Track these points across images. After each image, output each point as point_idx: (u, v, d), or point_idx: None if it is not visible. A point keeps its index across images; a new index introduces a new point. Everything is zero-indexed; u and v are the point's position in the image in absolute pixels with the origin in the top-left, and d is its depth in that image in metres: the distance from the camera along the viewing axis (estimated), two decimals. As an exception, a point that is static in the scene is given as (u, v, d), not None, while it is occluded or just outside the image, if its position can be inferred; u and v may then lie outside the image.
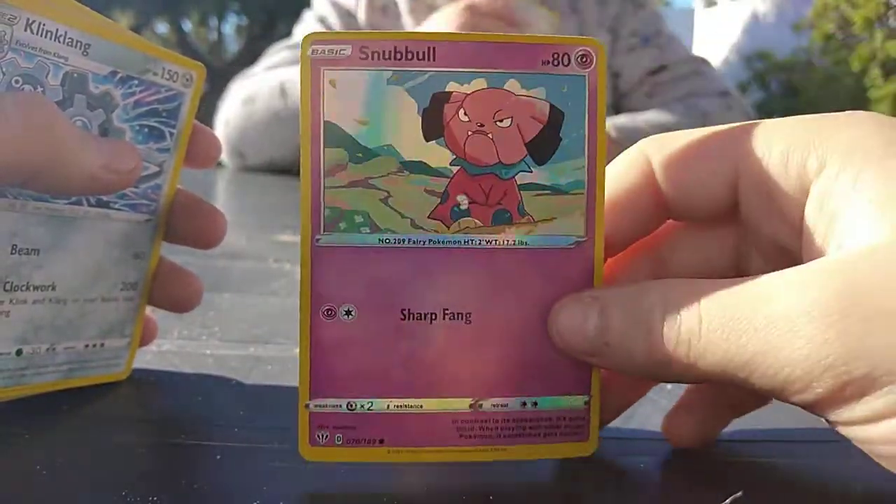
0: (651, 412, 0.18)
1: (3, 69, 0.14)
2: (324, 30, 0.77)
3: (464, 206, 0.13)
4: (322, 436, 0.13)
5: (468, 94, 0.13)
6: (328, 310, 0.13)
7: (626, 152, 0.15)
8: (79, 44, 0.15)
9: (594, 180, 0.14)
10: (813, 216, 0.12)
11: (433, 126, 0.13)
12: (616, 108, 0.76)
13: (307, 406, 0.13)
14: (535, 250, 0.14)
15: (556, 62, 0.13)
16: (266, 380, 0.19)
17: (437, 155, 0.13)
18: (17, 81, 0.14)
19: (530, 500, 0.14)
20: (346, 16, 0.77)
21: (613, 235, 0.14)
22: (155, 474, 0.14)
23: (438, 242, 0.13)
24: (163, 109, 0.17)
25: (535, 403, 0.14)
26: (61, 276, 0.16)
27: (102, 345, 0.18)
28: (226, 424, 0.16)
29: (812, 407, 0.11)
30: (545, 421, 0.14)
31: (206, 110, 0.19)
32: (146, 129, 0.17)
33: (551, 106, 0.13)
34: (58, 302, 0.16)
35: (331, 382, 0.13)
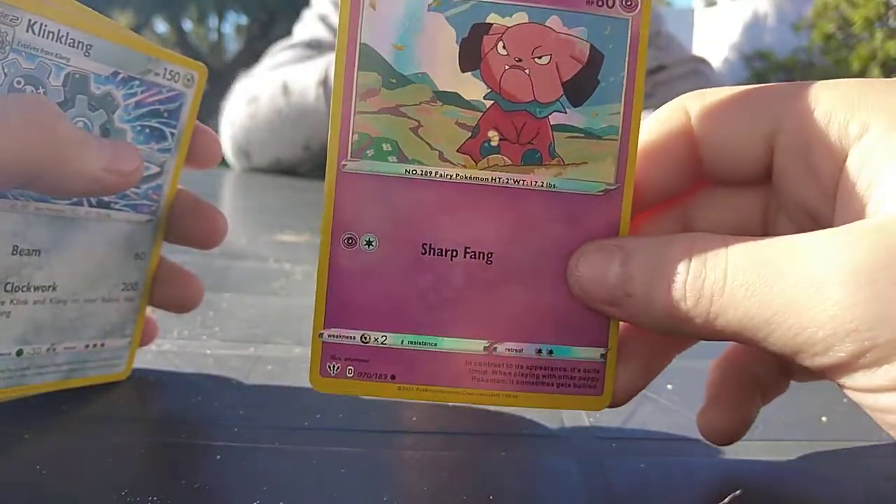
0: (651, 412, 0.18)
1: (5, 70, 0.14)
2: (325, 28, 0.77)
3: (494, 143, 0.13)
4: (333, 367, 0.13)
5: (508, 28, 0.13)
6: (349, 238, 0.13)
7: (665, 105, 0.14)
8: (80, 44, 0.15)
9: (629, 128, 0.13)
10: (850, 179, 0.12)
11: (470, 57, 0.13)
12: None
13: (320, 335, 0.13)
14: (563, 194, 0.13)
15: (600, 3, 0.13)
16: (266, 380, 0.19)
17: (472, 87, 0.13)
18: (18, 82, 0.14)
19: (530, 500, 0.14)
20: None
21: (644, 187, 0.14)
22: (155, 474, 0.14)
23: (465, 178, 0.13)
24: (164, 110, 0.17)
25: (551, 352, 0.13)
26: (62, 276, 0.16)
27: (103, 345, 0.18)
28: (226, 424, 0.16)
29: (828, 371, 0.11)
30: (559, 371, 0.14)
31: (206, 110, 0.19)
32: (147, 130, 0.17)
33: (592, 47, 0.13)
34: (59, 302, 0.16)
35: (346, 313, 0.13)
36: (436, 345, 0.13)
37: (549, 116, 0.13)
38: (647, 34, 0.13)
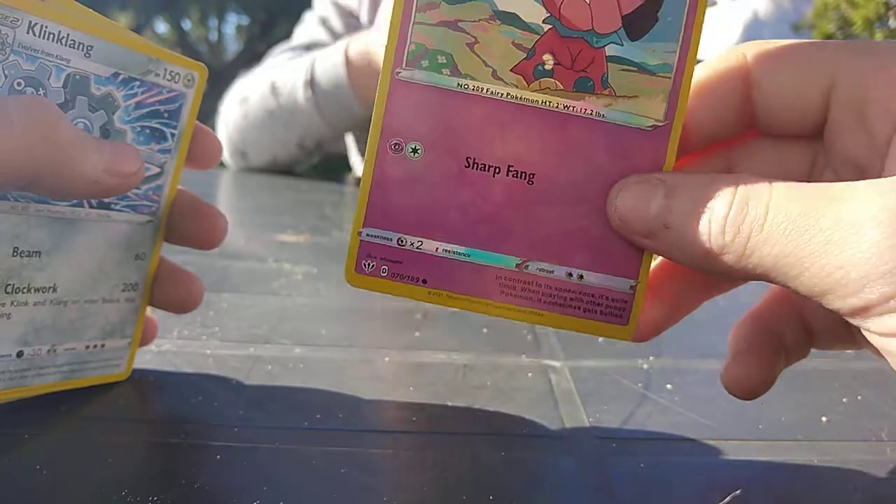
0: (651, 412, 0.18)
1: (6, 71, 0.14)
2: (326, 32, 0.77)
3: (548, 66, 0.13)
4: (368, 265, 0.14)
5: None
6: (396, 144, 0.13)
7: (725, 50, 0.14)
8: (81, 45, 0.15)
9: (683, 68, 0.13)
10: None
11: None
12: None
13: (359, 233, 0.14)
14: (611, 125, 0.13)
15: None
16: (266, 380, 0.19)
17: (532, 9, 0.13)
18: (19, 84, 0.14)
19: (530, 500, 0.14)
20: (349, 16, 0.77)
21: (693, 126, 0.14)
22: (155, 474, 0.14)
23: (516, 98, 0.13)
24: (164, 110, 0.17)
25: (581, 276, 0.14)
26: (63, 277, 0.16)
27: (103, 345, 0.18)
28: (226, 424, 0.16)
29: (856, 313, 0.11)
30: (587, 296, 0.14)
31: (206, 111, 0.19)
32: (147, 131, 0.17)
33: None
34: (59, 303, 0.16)
35: (386, 215, 0.14)
36: (469, 256, 0.14)
37: (606, 47, 0.13)
38: None
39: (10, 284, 0.15)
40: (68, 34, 0.14)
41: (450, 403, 0.18)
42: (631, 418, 0.17)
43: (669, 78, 0.13)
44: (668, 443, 0.16)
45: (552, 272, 0.14)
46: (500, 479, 0.14)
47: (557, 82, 0.13)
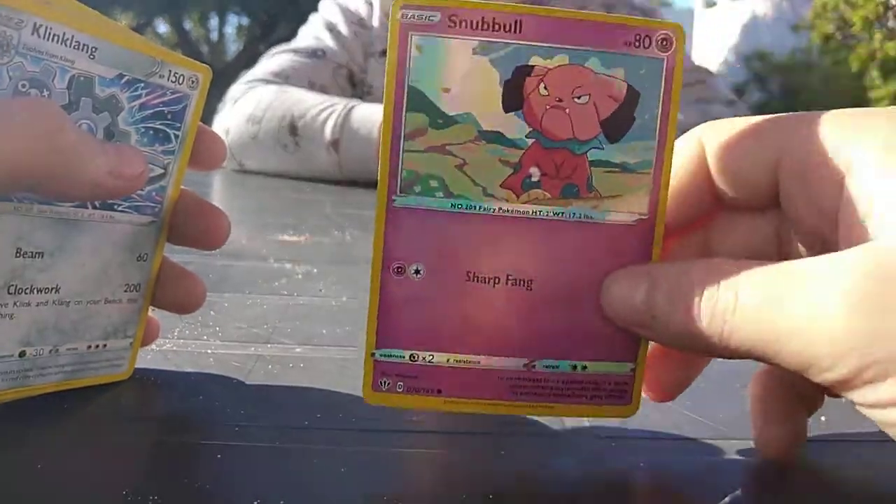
0: (651, 412, 0.18)
1: (10, 73, 0.14)
2: (332, 38, 0.76)
3: (535, 178, 0.14)
4: (384, 382, 0.14)
5: (550, 69, 0.14)
6: (398, 267, 0.14)
7: (683, 137, 0.15)
8: (85, 47, 0.15)
9: (662, 161, 0.14)
10: (848, 205, 0.13)
11: (513, 98, 0.14)
12: None
13: (373, 355, 0.14)
14: (599, 225, 0.14)
15: (637, 44, 0.14)
16: (267, 379, 0.19)
17: (515, 126, 0.14)
18: (23, 86, 0.14)
19: (530, 501, 0.14)
20: (358, 24, 0.75)
21: (668, 219, 0.15)
22: (156, 473, 0.14)
23: (507, 211, 0.14)
24: (168, 112, 0.17)
25: (585, 367, 0.15)
26: (65, 278, 0.16)
27: (105, 346, 0.18)
28: (226, 423, 0.16)
29: (836, 387, 0.12)
30: (592, 384, 0.15)
31: (207, 111, 0.19)
32: (151, 132, 0.17)
33: (629, 86, 0.14)
34: (62, 304, 0.16)
35: (396, 335, 0.14)
36: (479, 363, 0.14)
37: (588, 153, 0.14)
38: (682, 71, 0.14)
39: (13, 285, 0.15)
40: (73, 36, 0.14)
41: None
42: (630, 418, 0.18)
43: (650, 174, 0.14)
44: (668, 442, 0.16)
45: (558, 367, 0.15)
46: (499, 478, 0.14)
47: (545, 192, 0.14)
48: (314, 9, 0.80)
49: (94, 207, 0.16)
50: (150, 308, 0.19)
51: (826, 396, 0.16)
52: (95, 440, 0.15)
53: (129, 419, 0.17)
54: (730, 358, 0.13)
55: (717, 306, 0.12)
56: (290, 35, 0.82)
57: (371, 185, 0.68)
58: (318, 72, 0.72)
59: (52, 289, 0.16)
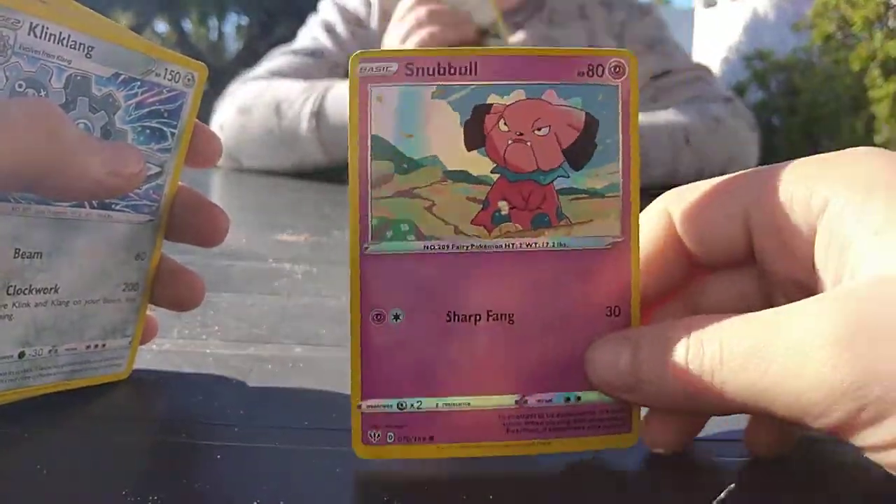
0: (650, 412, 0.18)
1: (7, 73, 0.14)
2: (329, 38, 0.77)
3: (504, 212, 0.14)
4: (374, 435, 0.14)
5: (508, 105, 0.14)
6: (377, 315, 0.14)
7: (649, 208, 0.16)
8: (82, 46, 0.15)
9: (628, 183, 0.14)
10: (822, 251, 0.13)
11: (475, 136, 0.14)
12: None
13: (359, 407, 0.14)
14: (573, 252, 0.14)
15: (591, 73, 0.14)
16: (266, 379, 0.19)
17: (479, 164, 0.14)
18: (20, 85, 0.14)
19: (529, 501, 0.14)
20: (356, 24, 0.76)
21: (647, 290, 0.15)
22: (155, 474, 0.14)
23: (481, 247, 0.14)
24: (164, 110, 0.17)
25: (579, 398, 0.14)
26: (64, 278, 0.16)
27: (104, 345, 0.18)
28: (226, 424, 0.16)
29: (835, 432, 0.12)
30: (588, 415, 0.14)
31: (205, 110, 0.19)
32: (148, 130, 0.17)
33: (587, 114, 0.14)
34: (60, 304, 0.16)
35: (381, 384, 0.14)
36: (469, 404, 0.14)
37: (554, 182, 0.14)
38: (637, 95, 0.14)
39: (11, 286, 0.15)
40: (69, 35, 0.14)
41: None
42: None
43: (618, 195, 0.14)
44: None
45: (550, 400, 0.14)
46: (499, 478, 0.14)
47: (516, 225, 0.14)
48: (313, 7, 0.81)
49: (92, 207, 0.16)
50: (149, 306, 0.19)
51: None
52: (95, 440, 0.15)
53: (128, 419, 0.17)
54: (727, 414, 0.13)
55: (703, 360, 0.12)
56: (290, 34, 0.83)
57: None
58: (315, 72, 0.73)
59: (50, 289, 0.16)
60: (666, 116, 0.67)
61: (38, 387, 0.16)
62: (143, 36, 0.16)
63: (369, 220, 0.14)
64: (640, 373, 0.13)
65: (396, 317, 0.14)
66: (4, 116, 0.13)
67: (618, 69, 0.14)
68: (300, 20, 0.83)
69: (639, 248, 0.14)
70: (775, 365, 0.11)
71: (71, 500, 0.13)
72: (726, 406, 0.12)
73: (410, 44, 0.55)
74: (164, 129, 0.17)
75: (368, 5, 0.77)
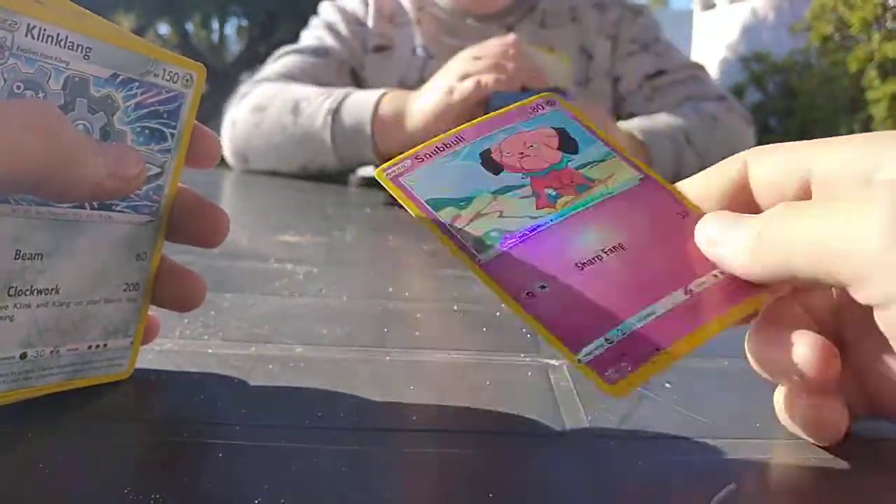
0: (649, 411, 0.18)
1: (5, 75, 0.14)
2: (332, 37, 0.78)
3: (553, 192, 0.18)
4: (612, 372, 0.15)
5: (500, 143, 0.19)
6: (528, 293, 0.16)
7: (732, 158, 0.18)
8: (80, 48, 0.15)
9: (615, 148, 0.19)
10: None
11: (493, 168, 0.18)
12: (616, 110, 0.76)
13: (580, 361, 0.15)
14: (620, 194, 0.18)
15: (537, 109, 0.20)
16: (267, 379, 0.19)
17: (510, 178, 0.18)
18: (18, 87, 0.14)
19: (529, 499, 0.14)
20: (355, 23, 0.77)
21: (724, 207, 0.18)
22: (157, 473, 0.14)
23: (559, 217, 0.17)
24: (164, 111, 0.17)
25: (717, 275, 0.17)
26: (65, 279, 0.16)
27: (105, 345, 0.18)
28: (227, 423, 0.16)
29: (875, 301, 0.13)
30: (730, 285, 0.16)
31: (208, 111, 0.19)
32: (147, 131, 0.17)
33: (553, 128, 0.19)
34: (61, 305, 0.16)
35: (576, 333, 0.15)
36: (655, 312, 0.16)
37: (567, 165, 0.19)
38: (573, 105, 0.20)
39: (12, 287, 0.15)
40: (66, 36, 0.14)
41: (450, 402, 0.18)
42: (629, 417, 0.18)
43: (616, 157, 0.19)
44: (667, 441, 0.16)
45: (702, 282, 0.16)
46: (499, 477, 0.14)
47: (566, 196, 0.18)
48: (313, 10, 0.81)
49: (92, 208, 0.16)
50: (151, 307, 0.19)
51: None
52: (96, 440, 0.15)
53: (130, 419, 0.17)
54: (794, 282, 0.15)
55: (774, 236, 0.14)
56: (290, 36, 0.83)
57: (361, 167, 0.68)
58: (323, 70, 0.73)
59: (51, 290, 0.16)
60: (665, 120, 0.68)
61: (40, 387, 0.16)
62: (145, 38, 0.16)
63: (467, 244, 0.17)
64: (720, 249, 0.16)
65: (542, 286, 0.16)
66: (3, 118, 0.13)
67: (552, 103, 0.20)
68: (300, 22, 0.83)
69: (658, 175, 0.19)
70: (833, 240, 0.13)
71: (73, 500, 0.13)
72: (792, 272, 0.14)
73: (465, 86, 0.55)
74: (164, 129, 0.17)
75: (366, 5, 0.78)
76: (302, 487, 0.14)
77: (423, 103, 0.57)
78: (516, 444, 0.16)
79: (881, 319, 0.13)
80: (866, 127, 2.71)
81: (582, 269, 0.16)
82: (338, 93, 0.64)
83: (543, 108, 0.20)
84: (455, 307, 0.27)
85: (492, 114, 0.19)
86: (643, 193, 0.18)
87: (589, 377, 0.14)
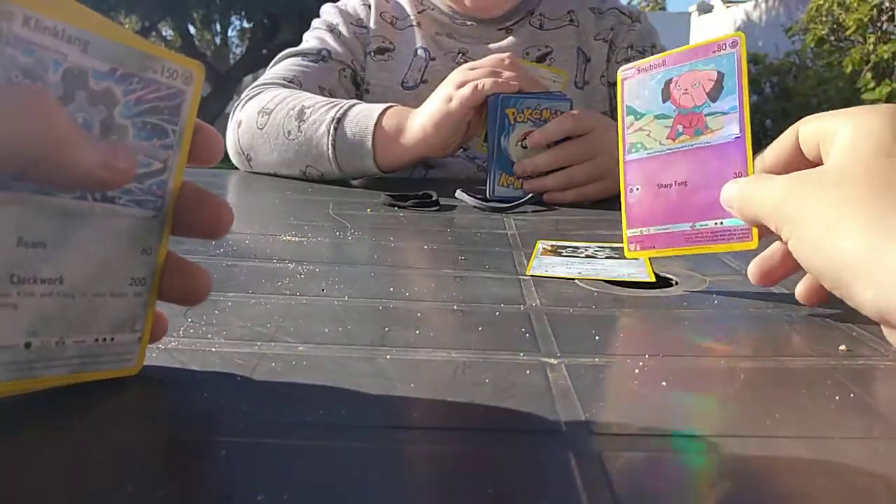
0: (648, 407, 0.18)
1: (2, 63, 0.13)
2: (334, 38, 0.78)
3: (680, 130, 0.29)
4: (634, 246, 0.31)
5: (681, 76, 0.29)
6: (630, 188, 0.31)
7: (792, 127, 0.26)
8: (77, 40, 0.15)
9: (742, 104, 0.27)
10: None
11: (664, 96, 0.30)
12: (613, 113, 0.77)
13: (628, 231, 0.31)
14: (716, 145, 0.28)
15: (718, 49, 0.28)
16: (270, 377, 0.19)
17: (667, 108, 0.29)
18: (16, 76, 0.14)
19: (528, 497, 0.14)
20: (357, 25, 0.77)
21: (777, 166, 0.26)
22: (161, 470, 0.14)
23: (672, 148, 0.29)
24: (164, 107, 0.17)
25: (722, 222, 0.28)
26: (69, 270, 0.16)
27: (113, 339, 0.18)
28: (231, 420, 0.16)
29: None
30: (728, 231, 0.28)
31: (211, 112, 0.19)
32: (149, 126, 0.17)
33: (717, 71, 0.28)
34: (66, 296, 0.16)
35: (636, 220, 0.30)
36: (692, 225, 0.29)
37: (703, 111, 0.28)
38: (745, 56, 0.28)
39: (15, 275, 0.15)
40: (64, 29, 0.14)
41: (449, 400, 0.18)
42: (627, 414, 0.18)
43: (736, 111, 0.28)
44: (664, 438, 0.16)
45: (707, 224, 0.28)
46: (499, 474, 0.15)
47: (686, 135, 0.29)
48: (314, 12, 0.82)
49: (95, 200, 0.16)
50: (159, 304, 0.19)
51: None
52: (101, 437, 0.15)
53: (135, 416, 0.17)
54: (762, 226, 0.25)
55: (769, 193, 0.24)
56: (292, 38, 0.83)
57: (361, 179, 0.68)
58: (325, 75, 0.74)
59: (55, 280, 0.16)
60: None
61: (46, 378, 0.16)
62: (148, 39, 0.16)
63: (625, 143, 0.31)
64: (734, 202, 0.26)
65: (636, 189, 0.30)
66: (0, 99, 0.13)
67: (734, 44, 0.27)
68: (302, 24, 0.83)
69: (751, 140, 0.27)
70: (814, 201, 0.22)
71: (77, 497, 0.13)
72: (782, 222, 0.23)
73: (463, 92, 0.56)
74: (165, 125, 0.17)
75: (367, 7, 0.78)
76: (304, 484, 0.14)
77: (423, 113, 0.58)
78: (515, 442, 0.16)
79: (790, 248, 0.23)
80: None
81: (658, 188, 0.29)
82: (344, 103, 0.64)
83: (726, 48, 0.28)
84: (455, 307, 0.27)
85: (688, 45, 0.29)
86: (727, 150, 0.27)
87: (623, 246, 0.31)
